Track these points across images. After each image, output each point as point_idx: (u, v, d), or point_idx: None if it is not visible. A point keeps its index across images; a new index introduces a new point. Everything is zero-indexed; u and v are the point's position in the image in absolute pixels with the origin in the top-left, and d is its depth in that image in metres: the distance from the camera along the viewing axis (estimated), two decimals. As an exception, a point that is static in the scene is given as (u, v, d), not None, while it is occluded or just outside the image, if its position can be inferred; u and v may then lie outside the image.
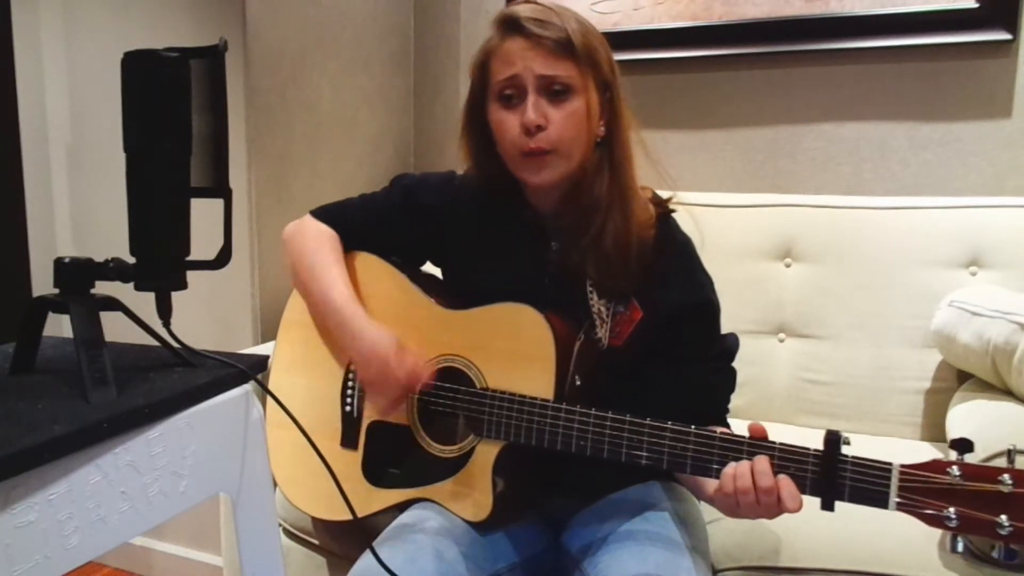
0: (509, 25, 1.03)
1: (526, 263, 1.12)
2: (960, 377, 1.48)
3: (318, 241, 1.19)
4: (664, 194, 1.13)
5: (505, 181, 1.11)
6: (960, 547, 0.81)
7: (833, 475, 0.85)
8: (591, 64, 1.02)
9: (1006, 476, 0.78)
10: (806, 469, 0.87)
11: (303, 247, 1.20)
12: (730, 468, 0.89)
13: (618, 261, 1.04)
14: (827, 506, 0.86)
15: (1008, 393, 1.31)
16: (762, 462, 0.87)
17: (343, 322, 1.12)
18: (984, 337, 1.31)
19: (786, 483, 0.86)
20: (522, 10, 1.03)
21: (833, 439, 0.85)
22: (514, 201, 1.13)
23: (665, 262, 1.07)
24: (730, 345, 1.11)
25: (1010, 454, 0.80)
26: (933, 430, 1.51)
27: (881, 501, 0.83)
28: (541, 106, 1.01)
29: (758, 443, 0.89)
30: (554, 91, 1.02)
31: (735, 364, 1.11)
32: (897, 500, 0.82)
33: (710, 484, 0.96)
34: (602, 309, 1.07)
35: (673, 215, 1.12)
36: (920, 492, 0.81)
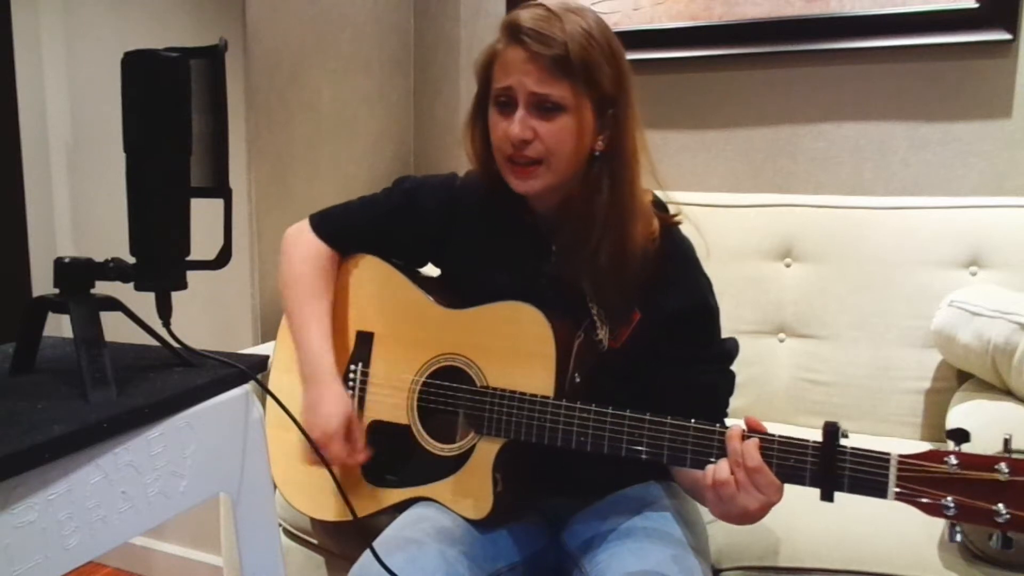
0: (511, 32, 1.01)
1: (526, 266, 1.12)
2: (960, 377, 1.48)
3: (306, 266, 1.20)
4: (664, 198, 1.13)
5: (504, 183, 1.11)
6: (958, 537, 0.82)
7: (832, 465, 0.85)
8: (588, 83, 1.00)
9: (1003, 465, 0.78)
10: (805, 460, 0.87)
11: (293, 272, 1.20)
12: (712, 464, 0.91)
13: (613, 281, 1.04)
14: (827, 496, 0.86)
15: (1008, 393, 1.30)
16: (748, 446, 0.88)
17: (309, 372, 1.15)
18: (984, 337, 1.31)
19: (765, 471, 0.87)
20: (526, 21, 0.99)
21: (832, 430, 0.86)
22: (514, 203, 1.13)
23: (663, 265, 1.07)
24: (729, 349, 1.11)
25: (1007, 443, 0.80)
26: (933, 430, 1.51)
27: (880, 491, 0.83)
28: (528, 121, 1.00)
29: (757, 434, 0.90)
30: (545, 108, 1.00)
31: (734, 368, 1.11)
32: (896, 490, 0.83)
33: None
34: (601, 311, 1.07)
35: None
36: (918, 481, 0.82)
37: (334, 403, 1.10)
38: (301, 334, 1.17)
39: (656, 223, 1.07)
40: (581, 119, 1.01)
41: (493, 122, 1.05)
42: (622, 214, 1.03)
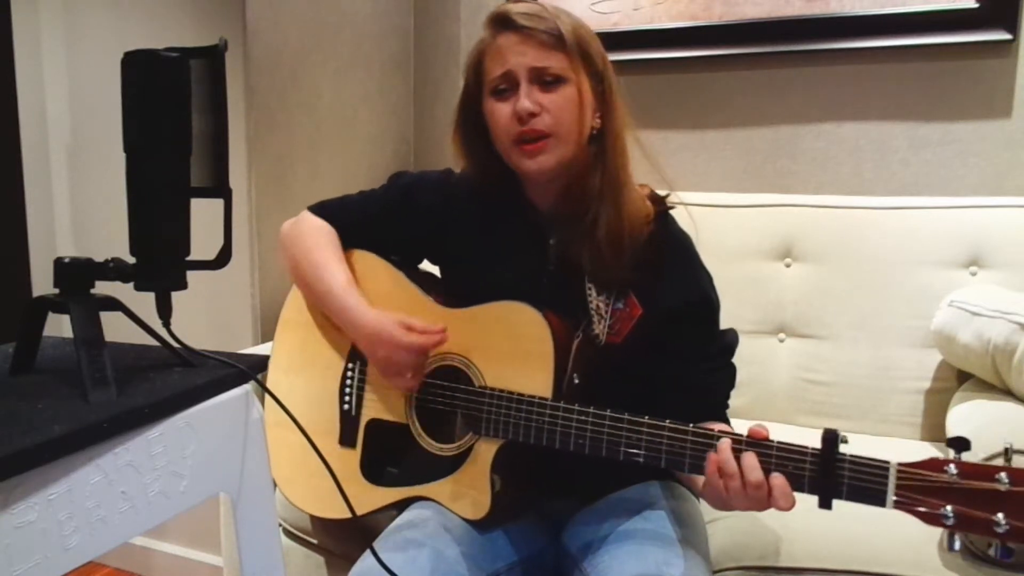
0: (500, 22, 1.05)
1: (524, 260, 1.12)
2: (960, 377, 1.48)
3: (317, 236, 1.20)
4: (662, 192, 1.13)
5: (504, 178, 1.11)
6: (957, 546, 0.81)
7: (831, 473, 0.85)
8: (583, 56, 1.04)
9: (1003, 475, 0.78)
10: (804, 467, 0.87)
11: (303, 242, 1.20)
12: (714, 456, 0.90)
13: (610, 251, 1.05)
14: (825, 504, 0.86)
15: (1008, 393, 1.30)
16: (749, 458, 0.88)
17: (347, 313, 1.13)
18: (984, 337, 1.31)
19: (779, 482, 0.86)
20: (513, 8, 1.04)
21: (831, 437, 0.86)
22: (512, 198, 1.14)
23: (663, 258, 1.07)
24: (730, 341, 1.11)
25: (1007, 453, 0.80)
26: (933, 430, 1.51)
27: (879, 499, 0.83)
28: (533, 94, 1.03)
29: (755, 442, 0.89)
30: (546, 81, 1.03)
31: (735, 360, 1.11)
32: (894, 498, 0.82)
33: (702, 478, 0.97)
34: (600, 305, 1.07)
35: (671, 212, 1.12)
36: (918, 490, 0.81)
37: (379, 314, 1.10)
38: (329, 289, 1.15)
39: (650, 206, 1.09)
40: (581, 90, 1.04)
41: (494, 111, 1.06)
42: (615, 187, 1.06)
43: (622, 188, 1.06)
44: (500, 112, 1.05)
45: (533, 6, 1.05)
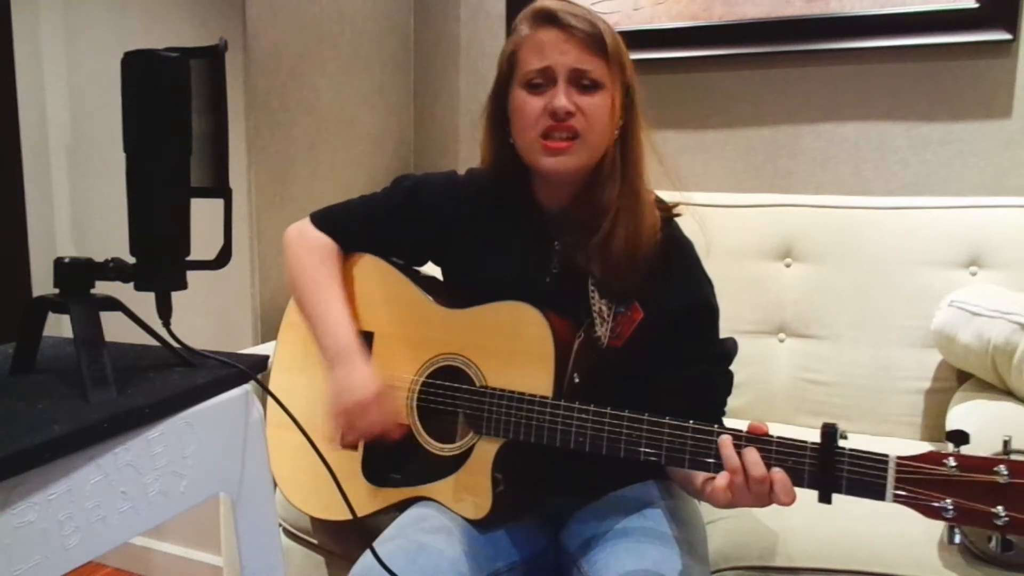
0: (543, 17, 1.05)
1: (528, 261, 1.12)
2: (960, 377, 1.48)
3: (315, 257, 1.20)
4: (670, 196, 1.13)
5: (516, 175, 1.11)
6: (957, 539, 0.82)
7: (830, 467, 0.85)
8: (619, 64, 1.04)
9: (1002, 467, 0.78)
10: (803, 462, 0.87)
11: (302, 263, 1.20)
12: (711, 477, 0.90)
13: (625, 264, 1.05)
14: (824, 498, 0.86)
15: (1008, 393, 1.31)
16: (752, 453, 0.88)
17: (336, 352, 1.13)
18: (984, 337, 1.31)
19: (780, 476, 0.87)
20: (556, 5, 1.04)
21: (830, 431, 0.86)
22: (521, 198, 1.14)
23: (667, 263, 1.07)
24: (728, 349, 1.11)
25: (1006, 445, 0.80)
26: (933, 430, 1.51)
27: (878, 493, 0.83)
28: (571, 95, 1.03)
29: (755, 437, 0.90)
30: (583, 84, 1.03)
31: (732, 368, 1.11)
32: (894, 492, 0.82)
33: (700, 475, 0.97)
34: (603, 308, 1.07)
35: (676, 218, 1.12)
36: (917, 483, 0.81)
37: (367, 375, 1.10)
38: (323, 321, 1.16)
39: (658, 214, 1.09)
40: (614, 99, 1.04)
41: (524, 103, 1.05)
42: (635, 199, 1.06)
43: (640, 199, 1.06)
44: (531, 105, 1.04)
45: (575, 6, 1.04)
